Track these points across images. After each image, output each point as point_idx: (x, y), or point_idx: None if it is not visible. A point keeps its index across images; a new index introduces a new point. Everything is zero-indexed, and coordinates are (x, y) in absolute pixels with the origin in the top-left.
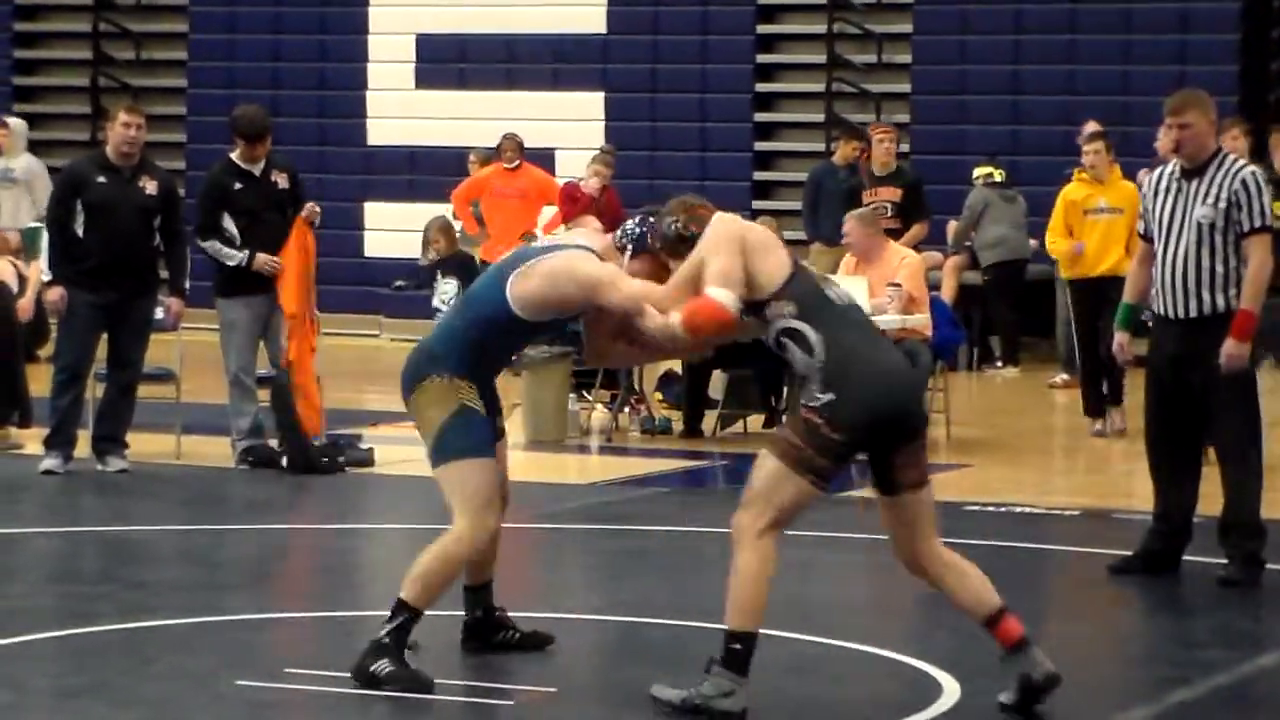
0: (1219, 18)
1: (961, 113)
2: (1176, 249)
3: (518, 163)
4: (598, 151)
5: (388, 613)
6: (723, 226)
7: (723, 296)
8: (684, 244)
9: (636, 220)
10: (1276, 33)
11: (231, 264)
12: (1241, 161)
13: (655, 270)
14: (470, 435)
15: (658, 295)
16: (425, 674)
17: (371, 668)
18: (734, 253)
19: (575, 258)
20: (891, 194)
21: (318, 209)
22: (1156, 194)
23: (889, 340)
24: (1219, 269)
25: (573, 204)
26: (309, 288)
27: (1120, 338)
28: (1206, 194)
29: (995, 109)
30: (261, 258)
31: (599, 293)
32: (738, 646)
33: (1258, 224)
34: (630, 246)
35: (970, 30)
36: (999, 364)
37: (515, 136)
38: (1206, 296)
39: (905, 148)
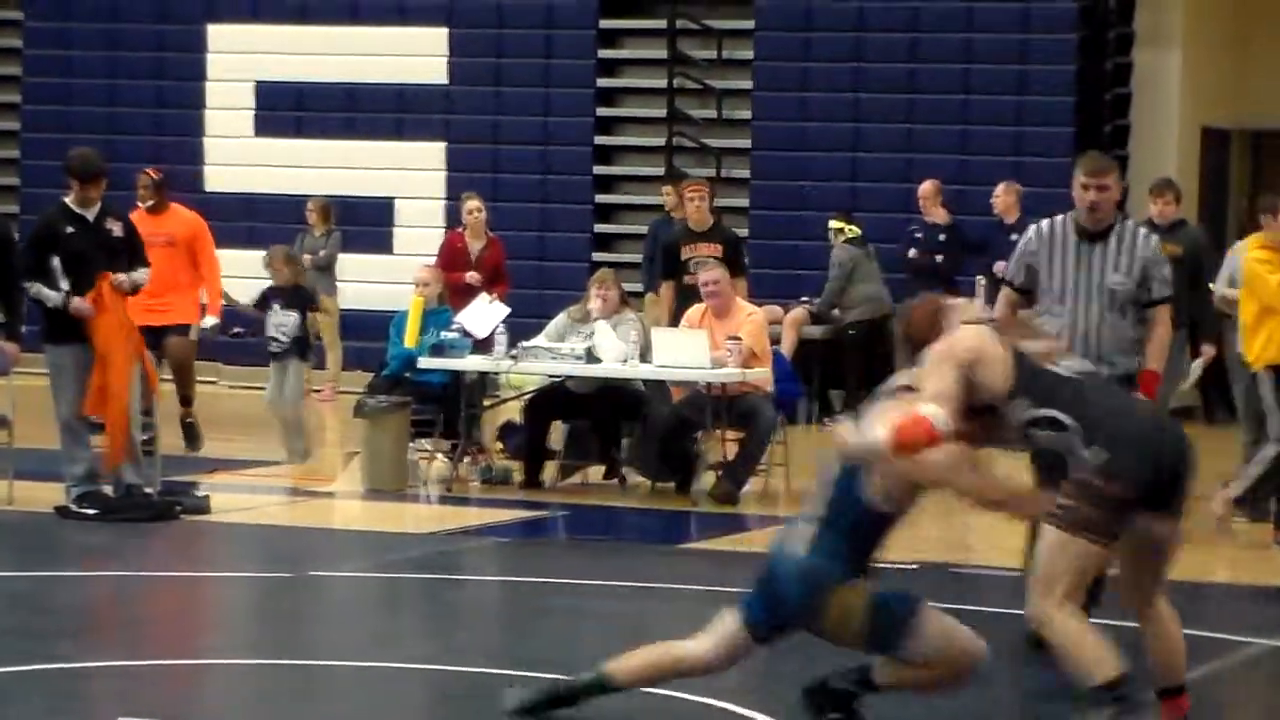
0: (1055, 80)
1: (801, 169)
2: (1087, 313)
3: (152, 202)
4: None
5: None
6: (944, 345)
7: (930, 413)
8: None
9: None
10: (1110, 96)
11: (50, 305)
12: (1142, 230)
13: None
14: (896, 606)
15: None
16: None
17: None
18: (950, 371)
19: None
20: (712, 249)
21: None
22: (1053, 251)
23: (1134, 395)
24: (1130, 334)
25: (453, 256)
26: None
27: None
28: (1117, 263)
29: (835, 166)
30: (77, 302)
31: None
32: (1120, 691)
33: (1166, 293)
34: None
35: (810, 87)
36: (840, 418)
37: (150, 173)
38: (1118, 360)
39: (745, 202)
